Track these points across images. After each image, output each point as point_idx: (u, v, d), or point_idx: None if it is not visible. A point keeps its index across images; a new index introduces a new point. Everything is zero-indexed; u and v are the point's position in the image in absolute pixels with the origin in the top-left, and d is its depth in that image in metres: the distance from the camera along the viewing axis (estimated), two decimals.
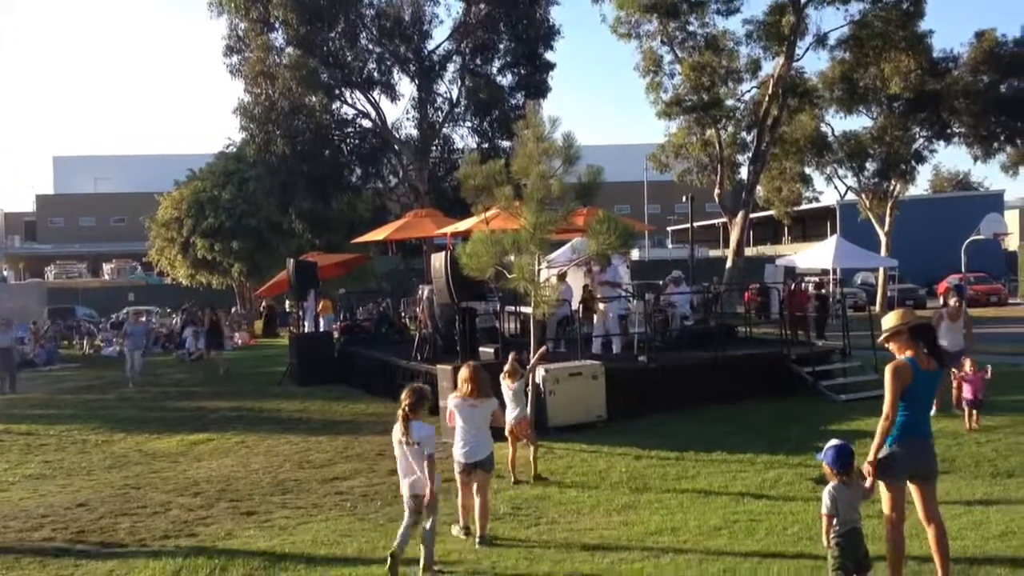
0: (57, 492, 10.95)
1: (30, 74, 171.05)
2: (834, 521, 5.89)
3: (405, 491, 7.22)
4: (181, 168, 43.27)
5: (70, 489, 11.08)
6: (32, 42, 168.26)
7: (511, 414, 10.51)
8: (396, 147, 34.87)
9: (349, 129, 34.96)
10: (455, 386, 12.80)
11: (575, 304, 17.00)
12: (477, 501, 8.03)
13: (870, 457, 6.06)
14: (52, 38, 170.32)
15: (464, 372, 8.47)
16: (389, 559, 6.92)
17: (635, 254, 56.33)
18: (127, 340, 23.47)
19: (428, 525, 7.12)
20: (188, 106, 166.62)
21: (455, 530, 8.31)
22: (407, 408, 7.21)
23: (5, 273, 62.84)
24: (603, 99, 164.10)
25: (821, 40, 35.03)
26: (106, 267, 68.27)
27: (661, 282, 21.85)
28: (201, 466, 12.23)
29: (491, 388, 8.55)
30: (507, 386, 10.47)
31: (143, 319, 26.97)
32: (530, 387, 11.38)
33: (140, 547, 8.39)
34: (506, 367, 10.88)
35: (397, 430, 7.21)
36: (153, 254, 41.88)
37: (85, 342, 35.30)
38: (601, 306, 16.69)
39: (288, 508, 9.69)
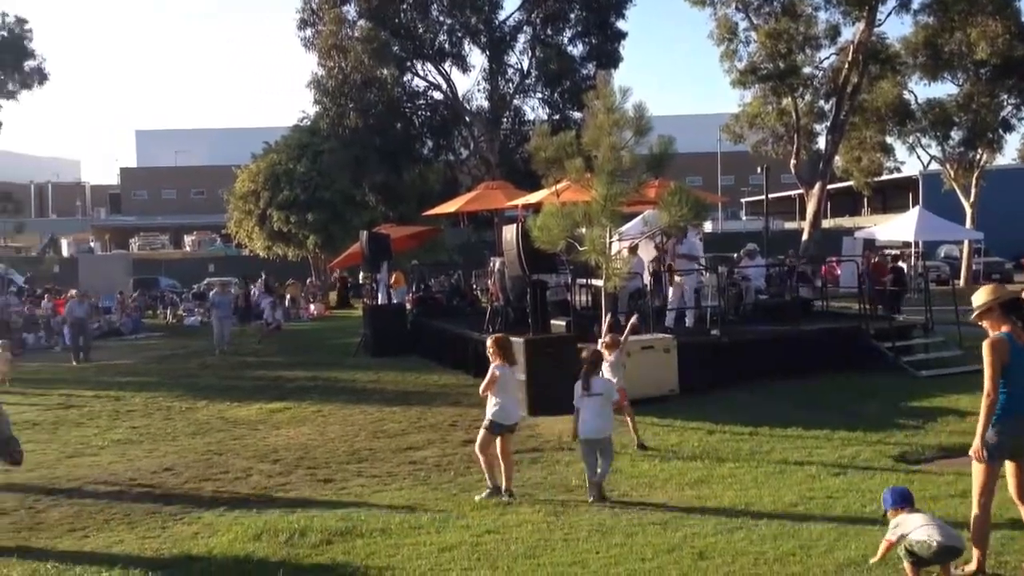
0: (144, 457, 11.35)
1: (115, 51, 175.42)
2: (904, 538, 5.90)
3: (591, 435, 8.61)
4: (258, 141, 43.99)
5: (156, 454, 11.47)
6: (116, 19, 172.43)
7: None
8: (467, 119, 34.88)
9: (420, 101, 35.07)
10: (526, 357, 12.92)
11: (646, 277, 16.88)
12: (504, 461, 8.83)
13: (977, 441, 5.94)
14: (135, 15, 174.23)
15: (498, 341, 9.12)
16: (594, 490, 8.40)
17: (708, 226, 55.56)
18: (214, 310, 24.13)
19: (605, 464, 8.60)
20: (265, 80, 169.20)
21: (483, 495, 8.73)
22: (587, 367, 8.84)
23: (92, 244, 64.84)
24: (675, 68, 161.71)
25: (904, 4, 33.84)
26: (187, 239, 70.02)
27: (735, 255, 21.55)
28: (279, 434, 12.54)
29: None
30: (606, 357, 10.39)
31: (230, 290, 27.68)
32: (626, 359, 11.36)
33: (222, 511, 8.67)
34: (604, 339, 10.87)
35: (579, 387, 8.75)
36: (231, 226, 42.76)
37: (168, 312, 36.33)
38: (677, 279, 16.54)
39: (363, 476, 9.89)
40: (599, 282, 13.32)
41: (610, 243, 12.59)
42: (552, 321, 14.94)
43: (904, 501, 6.16)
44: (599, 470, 8.59)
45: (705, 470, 9.55)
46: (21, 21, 37.69)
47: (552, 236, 12.24)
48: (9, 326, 25.49)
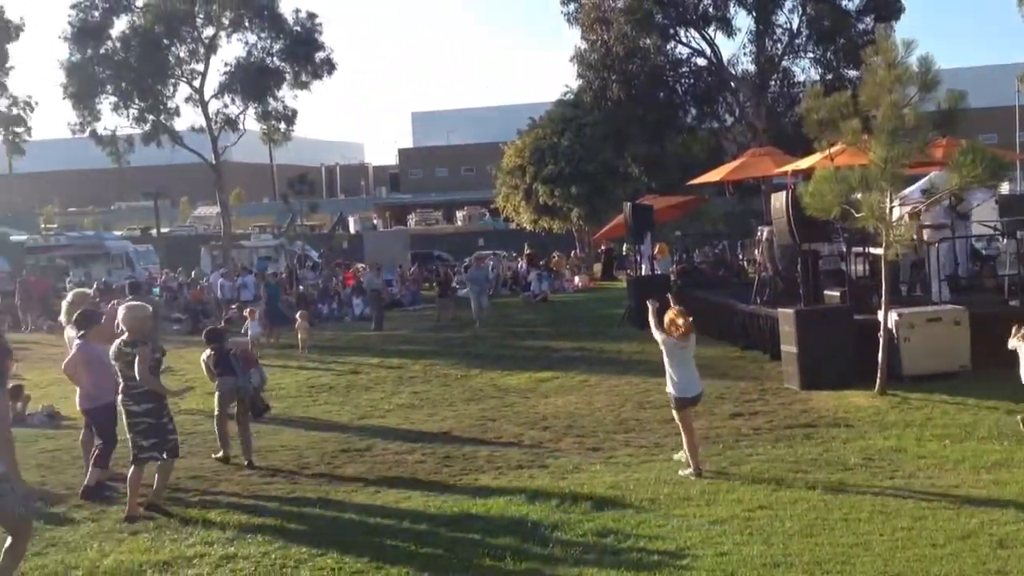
0: (425, 420, 12.09)
1: (392, 37, 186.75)
2: None
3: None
4: (523, 118, 45.16)
5: (436, 418, 12.18)
6: (392, 6, 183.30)
7: None
8: (732, 84, 33.91)
9: (684, 69, 34.50)
10: (797, 330, 12.43)
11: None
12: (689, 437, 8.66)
13: None
14: (408, 4, 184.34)
15: (675, 314, 8.86)
16: None
17: (1005, 188, 50.62)
18: (471, 284, 25.16)
19: None
20: (529, 57, 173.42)
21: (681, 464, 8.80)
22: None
23: (375, 221, 69.64)
24: (963, 15, 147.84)
25: None
26: (458, 214, 73.41)
27: None
28: (548, 402, 12.90)
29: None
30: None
31: (485, 263, 28.81)
32: (882, 332, 10.70)
33: (497, 474, 9.06)
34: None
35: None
36: (499, 201, 44.28)
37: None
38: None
39: (631, 446, 9.96)
40: (878, 250, 12.53)
41: (890, 208, 11.79)
42: (825, 292, 14.26)
43: None
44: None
45: (1005, 452, 8.76)
46: (312, 16, 40.96)
47: (825, 202, 11.63)
48: (306, 298, 27.94)
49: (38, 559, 6.88)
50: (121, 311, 8.57)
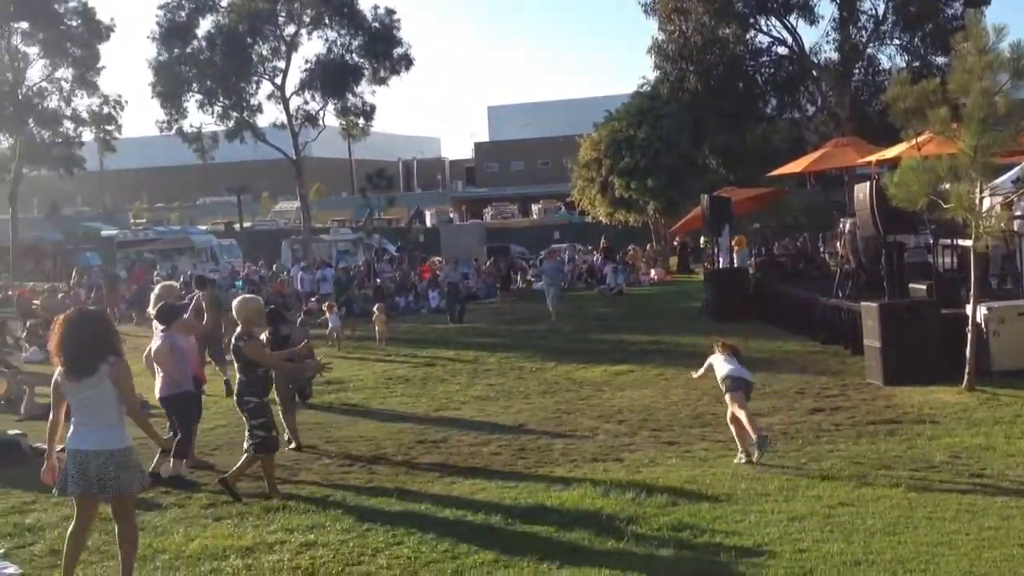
0: (500, 412, 12.15)
1: (468, 32, 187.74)
2: None
3: None
4: (600, 111, 44.93)
5: (511, 411, 12.23)
6: (467, 3, 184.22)
7: None
8: (814, 73, 33.26)
9: (764, 58, 33.96)
10: (881, 324, 12.12)
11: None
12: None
13: None
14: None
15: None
16: None
17: None
18: (544, 276, 25.15)
19: None
20: (607, 49, 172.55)
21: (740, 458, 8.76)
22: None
23: (451, 215, 70.13)
24: None
25: None
26: (534, 207, 73.46)
27: None
28: (623, 395, 12.84)
29: None
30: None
31: (558, 256, 28.82)
32: (971, 326, 10.38)
33: (572, 467, 9.06)
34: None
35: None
36: (575, 194, 44.16)
37: (519, 277, 38.44)
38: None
39: (707, 441, 9.85)
40: (967, 242, 12.14)
41: (980, 199, 11.41)
42: (911, 285, 13.87)
43: None
44: None
45: None
46: (390, 12, 41.46)
47: (911, 193, 11.32)
48: (383, 291, 28.32)
49: None
50: (235, 304, 8.79)
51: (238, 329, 8.50)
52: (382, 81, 41.95)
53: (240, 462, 8.61)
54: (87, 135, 46.98)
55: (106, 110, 45.89)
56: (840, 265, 17.82)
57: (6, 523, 7.97)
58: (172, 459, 9.13)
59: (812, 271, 22.26)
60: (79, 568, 6.51)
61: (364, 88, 42.49)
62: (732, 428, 8.91)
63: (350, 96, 42.31)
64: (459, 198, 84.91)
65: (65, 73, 45.04)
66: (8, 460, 10.20)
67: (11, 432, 11.17)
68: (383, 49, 41.19)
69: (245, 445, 8.58)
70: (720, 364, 8.95)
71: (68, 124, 45.71)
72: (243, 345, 8.37)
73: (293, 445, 10.43)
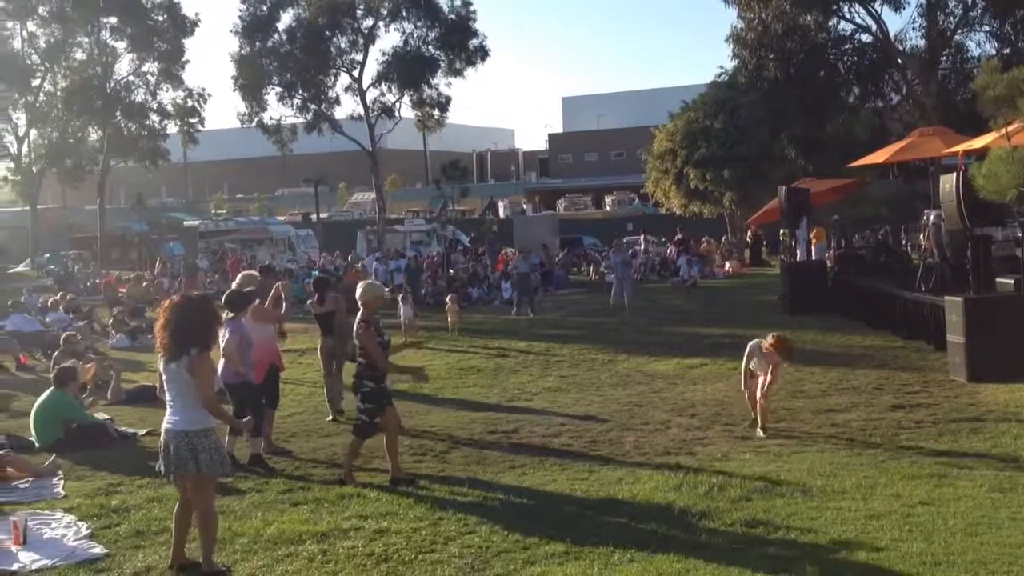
0: (572, 404, 12.14)
1: (542, 22, 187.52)
2: None
3: None
4: (675, 101, 44.43)
5: (582, 403, 12.21)
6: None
7: None
8: (899, 61, 32.31)
9: (846, 46, 33.11)
10: (966, 319, 11.79)
11: None
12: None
13: None
14: None
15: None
16: None
17: None
18: (615, 269, 24.96)
19: None
20: (682, 39, 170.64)
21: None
22: None
23: (525, 206, 70.14)
24: None
25: None
26: (607, 199, 73.05)
27: None
28: (696, 389, 12.72)
29: None
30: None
31: (626, 248, 28.65)
32: None
33: (644, 460, 9.01)
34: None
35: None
36: (649, 185, 43.77)
37: (591, 269, 38.32)
38: None
39: (782, 436, 9.71)
40: None
41: None
42: (997, 279, 13.43)
43: None
44: None
45: None
46: (466, 3, 41.58)
47: (1000, 184, 10.98)
48: (456, 282, 28.50)
49: None
50: (358, 288, 8.94)
51: (360, 312, 8.63)
52: (458, 73, 42.12)
53: (347, 449, 8.82)
54: (171, 128, 48.25)
55: (190, 103, 47.05)
56: (923, 258, 17.36)
57: (92, 504, 8.26)
58: (250, 439, 9.30)
59: (893, 264, 21.71)
60: (163, 546, 6.74)
61: (440, 80, 42.74)
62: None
63: (426, 88, 42.59)
64: (533, 189, 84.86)
65: (151, 67, 46.34)
66: (96, 443, 10.58)
67: (99, 416, 11.57)
68: (459, 41, 41.35)
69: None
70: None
71: (154, 117, 47.06)
72: (361, 330, 8.49)
73: (330, 417, 11.46)
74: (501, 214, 62.03)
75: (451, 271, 30.69)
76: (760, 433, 9.74)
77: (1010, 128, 11.91)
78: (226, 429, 8.14)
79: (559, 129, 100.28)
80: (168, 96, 47.12)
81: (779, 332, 10.32)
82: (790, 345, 10.16)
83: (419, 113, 44.34)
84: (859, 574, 5.85)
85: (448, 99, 43.51)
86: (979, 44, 32.08)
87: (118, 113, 45.51)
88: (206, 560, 6.37)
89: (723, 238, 41.69)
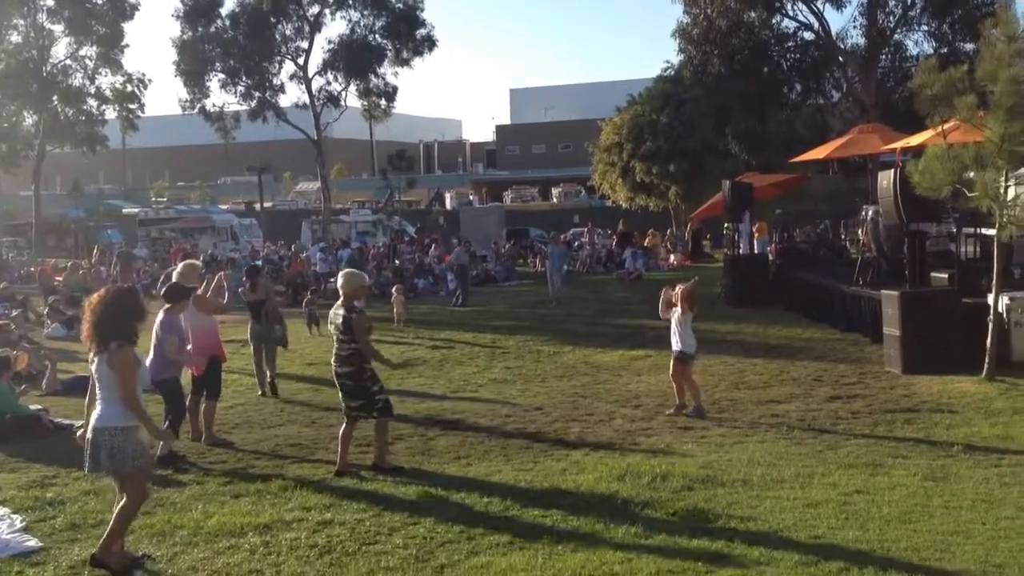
0: (517, 395, 12.17)
1: (490, 14, 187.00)
2: None
3: None
4: (622, 94, 44.73)
5: (528, 394, 12.25)
6: None
7: None
8: (840, 59, 32.86)
9: (789, 44, 33.56)
10: (901, 312, 12.06)
11: None
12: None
13: None
14: None
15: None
16: None
17: None
18: (548, 261, 25.00)
19: None
20: (630, 33, 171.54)
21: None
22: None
23: (471, 198, 70.05)
24: None
25: None
26: (554, 191, 73.24)
27: None
28: (640, 380, 12.83)
29: None
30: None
31: (562, 241, 28.75)
32: (992, 316, 10.35)
33: (588, 451, 9.07)
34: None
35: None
36: (596, 178, 44.04)
37: (537, 261, 38.39)
38: None
39: (724, 426, 9.85)
40: (991, 231, 12.03)
41: (1006, 187, 11.30)
42: (932, 274, 13.77)
43: None
44: None
45: None
46: None
47: (936, 181, 11.23)
48: (403, 272, 28.37)
49: (145, 518, 7.19)
50: (340, 278, 8.89)
51: (340, 300, 8.54)
52: (405, 62, 41.89)
53: (376, 437, 8.69)
54: (110, 113, 47.18)
55: (129, 88, 46.02)
56: (861, 253, 17.70)
57: (27, 496, 8.08)
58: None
59: (833, 259, 22.12)
60: (99, 540, 6.62)
61: (387, 69, 42.50)
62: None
63: (372, 77, 42.29)
64: (479, 181, 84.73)
65: (89, 51, 45.19)
66: (30, 434, 10.35)
67: (33, 407, 11.30)
68: (406, 30, 41.11)
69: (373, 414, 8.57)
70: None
71: (92, 102, 45.90)
72: (354, 317, 8.38)
73: (260, 392, 12.39)
74: (448, 205, 61.86)
75: (397, 262, 30.53)
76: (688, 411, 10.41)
77: (946, 126, 12.16)
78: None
79: (507, 121, 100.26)
80: (107, 81, 46.09)
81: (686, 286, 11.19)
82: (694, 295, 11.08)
83: (365, 103, 44.00)
84: (796, 561, 5.95)
85: (395, 89, 43.29)
86: (917, 43, 32.76)
87: (55, 97, 44.39)
88: (103, 548, 6.27)
89: (668, 231, 42.09)
